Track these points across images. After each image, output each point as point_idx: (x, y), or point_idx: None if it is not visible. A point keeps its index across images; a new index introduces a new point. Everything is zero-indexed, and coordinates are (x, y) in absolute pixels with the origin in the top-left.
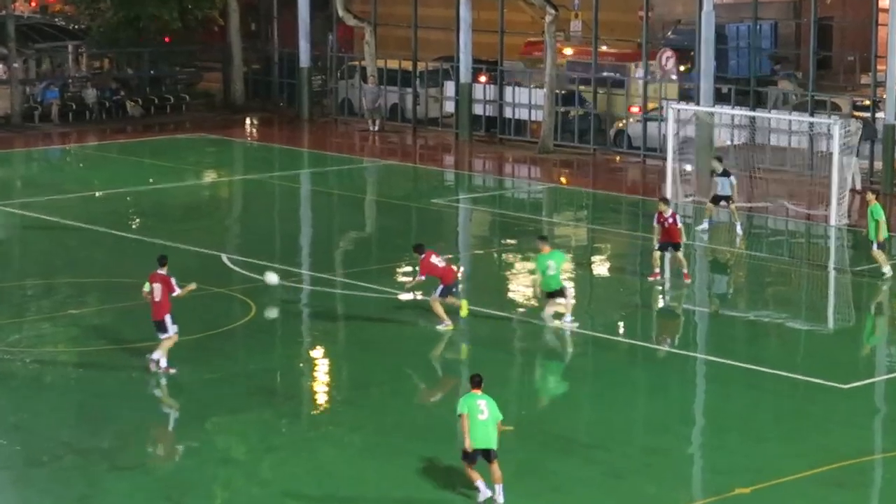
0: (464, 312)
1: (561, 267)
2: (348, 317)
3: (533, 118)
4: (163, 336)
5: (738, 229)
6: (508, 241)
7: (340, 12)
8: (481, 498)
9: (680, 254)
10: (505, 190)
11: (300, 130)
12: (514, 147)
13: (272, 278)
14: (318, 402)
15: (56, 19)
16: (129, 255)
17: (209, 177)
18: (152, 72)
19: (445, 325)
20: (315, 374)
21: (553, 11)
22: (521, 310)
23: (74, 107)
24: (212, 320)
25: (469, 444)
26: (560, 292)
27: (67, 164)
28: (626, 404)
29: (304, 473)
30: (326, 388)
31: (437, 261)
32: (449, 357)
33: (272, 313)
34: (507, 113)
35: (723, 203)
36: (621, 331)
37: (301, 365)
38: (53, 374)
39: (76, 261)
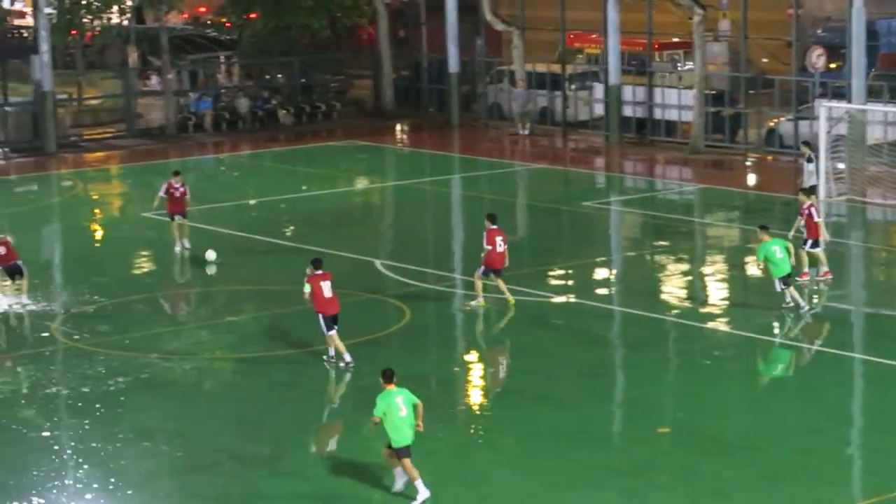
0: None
1: (786, 250)
2: (501, 321)
3: (682, 119)
4: (333, 332)
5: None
6: (660, 242)
7: (488, 17)
8: (399, 486)
9: (819, 251)
10: (656, 192)
11: (450, 136)
12: (664, 148)
13: (211, 255)
14: (473, 406)
15: (208, 30)
16: (283, 262)
17: (361, 183)
18: (303, 80)
19: (478, 302)
20: (469, 378)
21: (701, 11)
22: (674, 311)
23: (227, 116)
24: (365, 326)
25: (397, 442)
26: (792, 272)
27: (221, 173)
28: (780, 405)
29: (460, 478)
30: (481, 393)
31: (500, 240)
32: (603, 361)
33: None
34: (657, 114)
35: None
36: (775, 331)
37: (455, 370)
38: (212, 381)
39: (232, 268)
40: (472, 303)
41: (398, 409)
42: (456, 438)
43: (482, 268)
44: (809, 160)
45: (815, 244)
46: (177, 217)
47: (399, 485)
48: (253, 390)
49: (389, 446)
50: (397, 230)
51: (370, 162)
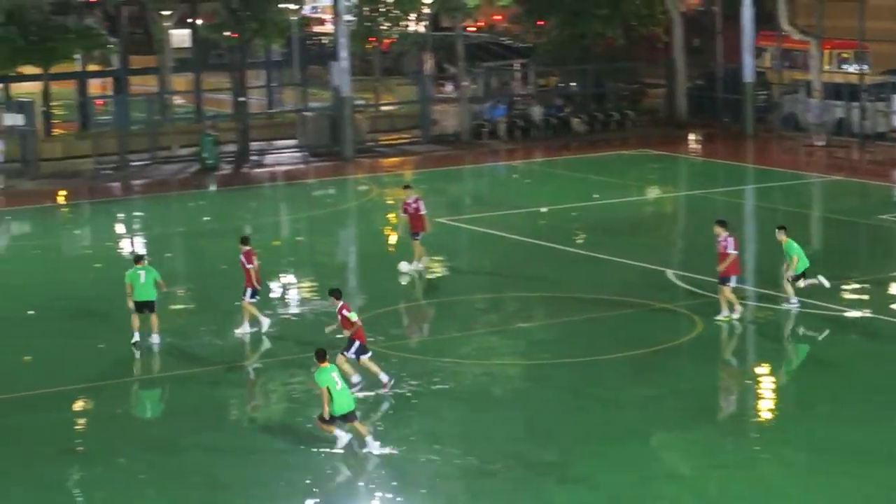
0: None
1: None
2: (792, 334)
3: None
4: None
5: None
6: None
7: (785, 26)
8: (340, 445)
9: None
10: None
11: (743, 146)
12: None
13: (404, 266)
14: (763, 419)
15: (503, 38)
16: (574, 269)
17: (652, 192)
18: (597, 88)
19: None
20: (760, 391)
21: None
22: None
23: (521, 124)
24: (655, 336)
25: (328, 413)
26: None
27: (513, 180)
28: None
29: (749, 492)
30: (771, 406)
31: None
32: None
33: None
34: None
35: None
36: None
37: (746, 382)
38: (501, 386)
39: (523, 275)
40: (733, 315)
41: (335, 383)
42: (743, 452)
43: (734, 278)
44: None
45: None
46: (413, 237)
47: (342, 442)
48: (542, 397)
49: (322, 418)
50: (689, 240)
51: (662, 171)
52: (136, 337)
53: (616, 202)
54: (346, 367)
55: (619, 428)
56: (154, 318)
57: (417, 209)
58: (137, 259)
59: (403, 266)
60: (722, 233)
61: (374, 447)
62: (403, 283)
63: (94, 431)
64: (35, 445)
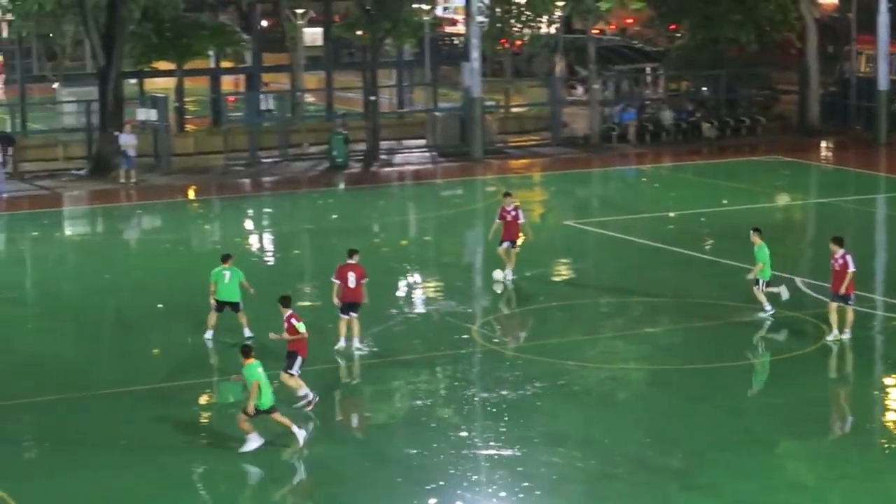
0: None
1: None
2: None
3: None
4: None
5: None
6: None
7: None
8: (248, 448)
9: None
10: None
11: (877, 155)
12: None
13: (498, 274)
14: (889, 431)
15: (634, 42)
16: (701, 275)
17: (782, 200)
18: (728, 93)
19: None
20: (887, 402)
21: None
22: None
23: (651, 128)
24: (782, 344)
25: (253, 408)
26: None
27: (643, 184)
28: None
29: (871, 502)
30: None
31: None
32: None
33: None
34: None
35: None
36: None
37: (874, 393)
38: (625, 390)
39: (650, 279)
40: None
41: (262, 378)
42: (868, 463)
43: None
44: None
45: None
46: (506, 244)
47: (252, 446)
48: (667, 402)
49: (246, 412)
50: (818, 248)
51: (793, 178)
52: (209, 335)
53: (745, 208)
54: (292, 383)
55: (743, 435)
56: (241, 317)
57: (516, 217)
58: (224, 258)
59: (497, 274)
60: (838, 250)
61: (301, 436)
62: (498, 291)
63: (218, 425)
64: (160, 437)
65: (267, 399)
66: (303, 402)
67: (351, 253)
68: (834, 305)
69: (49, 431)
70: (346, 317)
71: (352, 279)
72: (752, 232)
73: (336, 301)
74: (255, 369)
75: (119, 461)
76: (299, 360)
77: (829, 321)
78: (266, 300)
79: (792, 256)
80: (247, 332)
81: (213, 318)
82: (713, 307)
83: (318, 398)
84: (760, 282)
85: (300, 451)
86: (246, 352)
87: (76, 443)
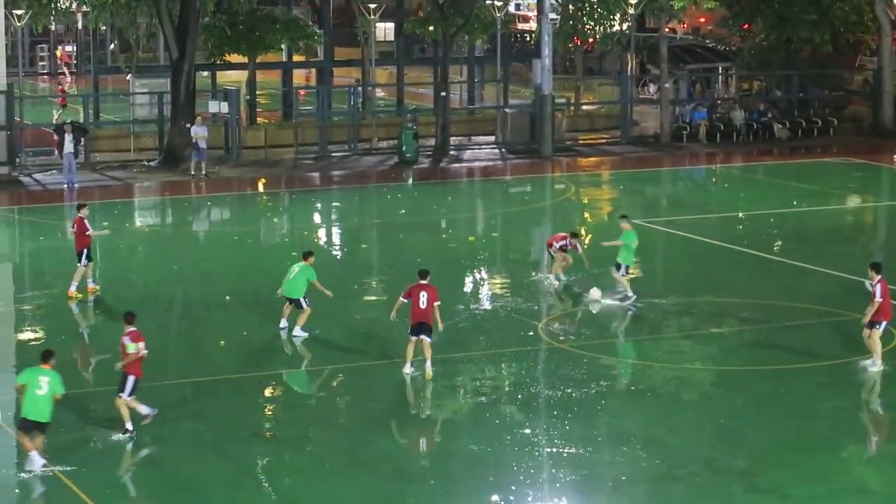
0: None
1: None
2: None
3: None
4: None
5: None
6: None
7: None
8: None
9: None
10: None
11: None
12: None
13: (595, 293)
14: None
15: (707, 41)
16: (770, 276)
17: (853, 202)
18: (801, 94)
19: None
20: None
21: None
22: None
23: (722, 128)
24: (850, 347)
25: (26, 414)
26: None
27: (712, 184)
28: None
29: None
30: None
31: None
32: None
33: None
34: None
35: None
36: None
37: None
38: (691, 391)
39: (718, 280)
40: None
41: (38, 386)
42: None
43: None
44: None
45: None
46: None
47: (35, 465)
48: (732, 403)
49: (21, 427)
50: (889, 251)
51: (864, 180)
52: (283, 324)
53: (815, 210)
54: (123, 410)
55: (809, 438)
56: (300, 315)
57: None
58: (305, 255)
59: (594, 293)
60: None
61: (37, 464)
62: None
63: (284, 417)
64: (227, 428)
65: (28, 410)
66: (149, 419)
67: (423, 274)
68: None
69: (115, 421)
70: (415, 338)
71: (423, 299)
72: (620, 219)
73: (394, 316)
74: (30, 373)
75: (185, 451)
76: (131, 381)
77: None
78: (334, 295)
79: (861, 258)
80: (296, 331)
81: (286, 310)
82: (781, 308)
83: (155, 411)
84: (622, 266)
85: (383, 441)
86: (44, 357)
87: (140, 431)
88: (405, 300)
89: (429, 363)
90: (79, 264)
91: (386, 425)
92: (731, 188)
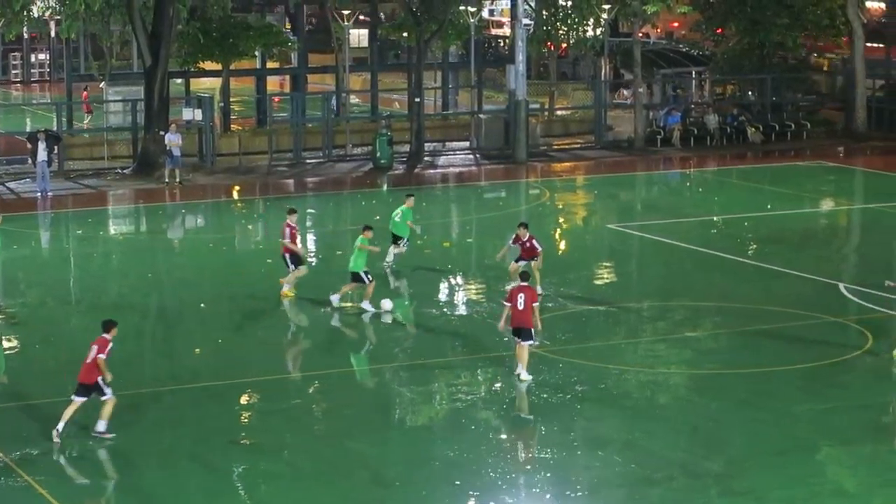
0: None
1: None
2: None
3: None
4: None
5: None
6: None
7: None
8: None
9: None
10: None
11: None
12: None
13: (387, 304)
14: None
15: (681, 45)
16: (745, 279)
17: (826, 205)
18: (774, 98)
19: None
20: None
21: None
22: None
23: (696, 132)
24: (825, 350)
25: None
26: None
27: (687, 188)
28: None
29: None
30: None
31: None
32: None
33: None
34: None
35: None
36: None
37: None
38: (666, 394)
39: (693, 284)
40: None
41: None
42: None
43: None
44: None
45: None
46: (522, 262)
47: None
48: (709, 407)
49: None
50: (862, 254)
51: (838, 184)
52: (366, 304)
53: (789, 213)
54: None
55: (785, 441)
56: (366, 289)
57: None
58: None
59: (387, 304)
60: None
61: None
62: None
63: (261, 425)
64: (203, 436)
65: None
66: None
67: (524, 275)
68: None
69: (88, 429)
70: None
71: (521, 301)
72: (406, 197)
73: (502, 326)
74: None
75: (161, 458)
76: (100, 381)
77: None
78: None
79: (835, 261)
80: (365, 304)
81: (348, 287)
82: (757, 312)
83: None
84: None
85: (362, 447)
86: None
87: (118, 440)
88: (507, 304)
89: (521, 366)
90: (292, 267)
91: (363, 431)
92: (706, 192)
